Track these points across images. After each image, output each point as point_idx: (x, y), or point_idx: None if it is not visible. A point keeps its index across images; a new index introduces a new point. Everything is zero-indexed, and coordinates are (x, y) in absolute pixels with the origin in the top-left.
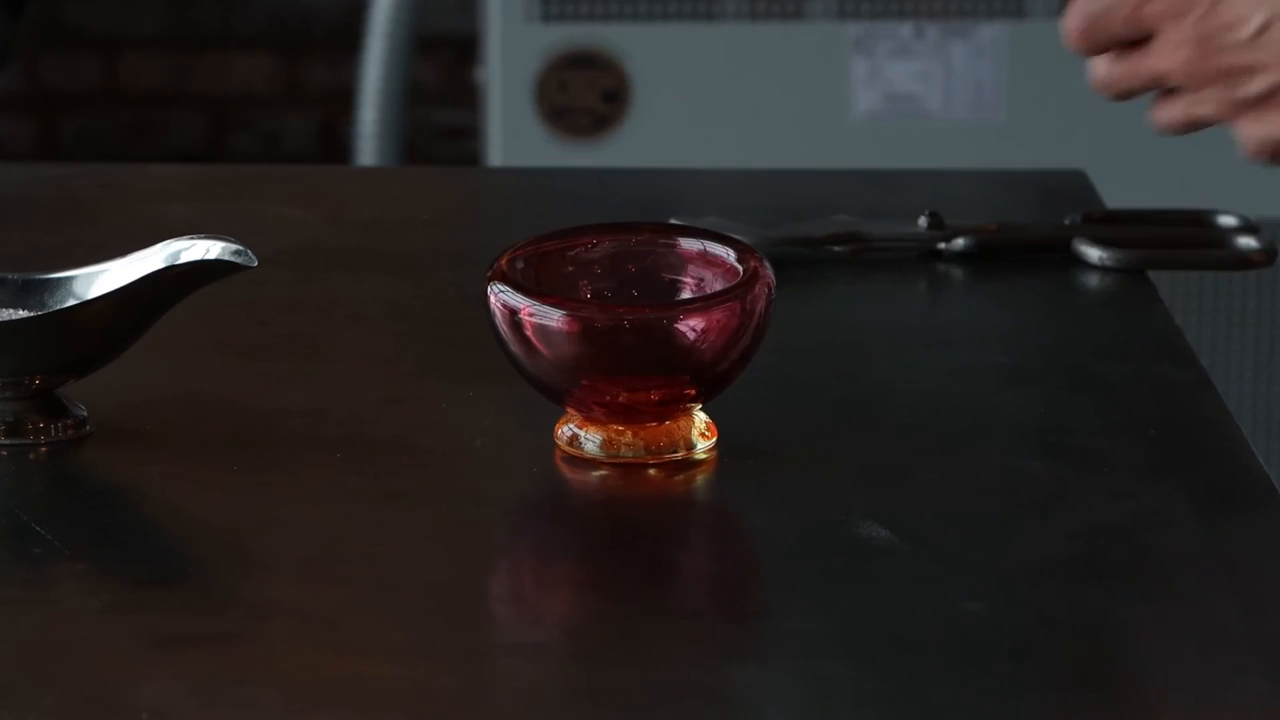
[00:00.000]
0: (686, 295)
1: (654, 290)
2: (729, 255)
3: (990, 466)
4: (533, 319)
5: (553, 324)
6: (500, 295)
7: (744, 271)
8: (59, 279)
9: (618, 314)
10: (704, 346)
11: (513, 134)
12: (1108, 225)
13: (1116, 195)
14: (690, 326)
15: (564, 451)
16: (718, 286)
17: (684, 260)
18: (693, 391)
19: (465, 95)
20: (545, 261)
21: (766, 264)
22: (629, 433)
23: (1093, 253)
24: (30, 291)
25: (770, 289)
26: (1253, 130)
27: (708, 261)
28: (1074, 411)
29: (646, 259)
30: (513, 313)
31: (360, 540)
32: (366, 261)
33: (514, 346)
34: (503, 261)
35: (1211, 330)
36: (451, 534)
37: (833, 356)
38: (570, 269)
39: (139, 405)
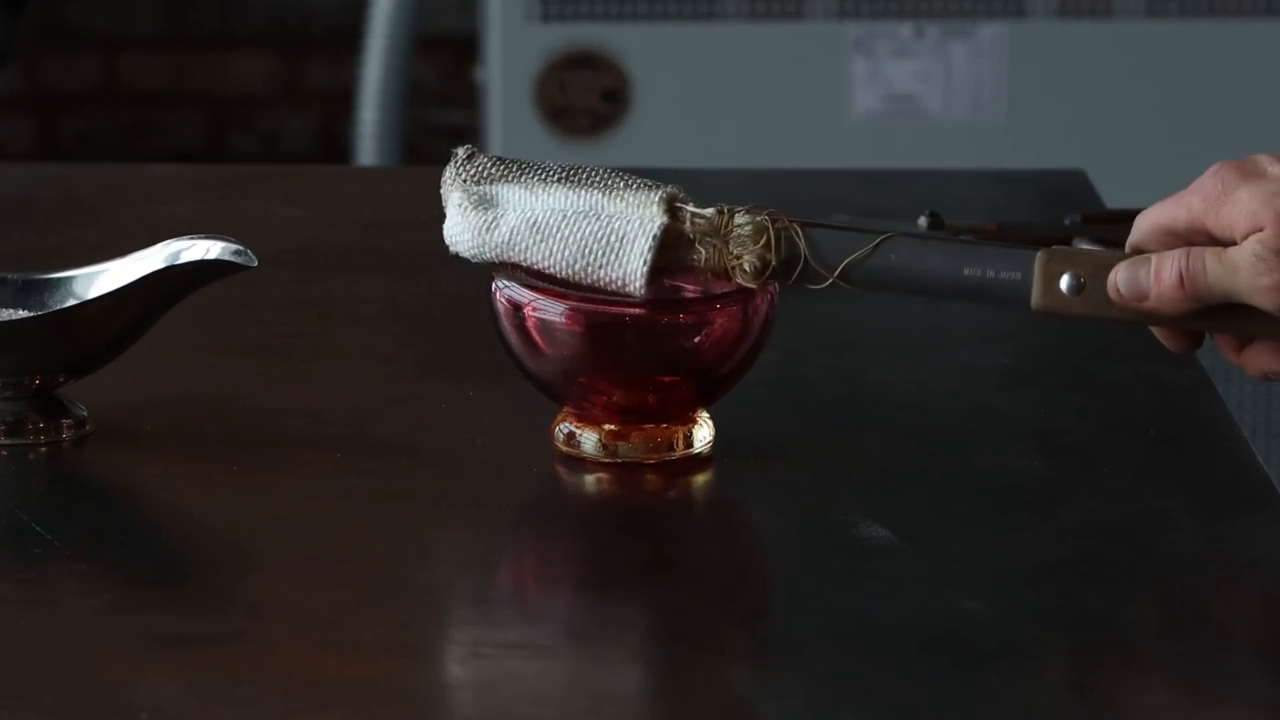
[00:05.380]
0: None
1: (658, 291)
2: None
3: (990, 466)
4: (536, 314)
5: (555, 319)
6: (504, 290)
7: None
8: (59, 279)
9: (619, 311)
10: (704, 349)
11: (513, 134)
12: (1108, 225)
13: (1116, 195)
14: (691, 328)
15: (560, 450)
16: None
17: None
18: (691, 395)
19: (465, 95)
20: None
21: None
22: (627, 433)
23: None
24: (30, 291)
25: (773, 297)
26: None
27: None
28: (1074, 411)
29: None
30: (516, 308)
31: (360, 540)
32: (366, 261)
33: (515, 342)
34: None
35: None
36: (451, 534)
37: (833, 356)
38: None
39: (139, 405)
